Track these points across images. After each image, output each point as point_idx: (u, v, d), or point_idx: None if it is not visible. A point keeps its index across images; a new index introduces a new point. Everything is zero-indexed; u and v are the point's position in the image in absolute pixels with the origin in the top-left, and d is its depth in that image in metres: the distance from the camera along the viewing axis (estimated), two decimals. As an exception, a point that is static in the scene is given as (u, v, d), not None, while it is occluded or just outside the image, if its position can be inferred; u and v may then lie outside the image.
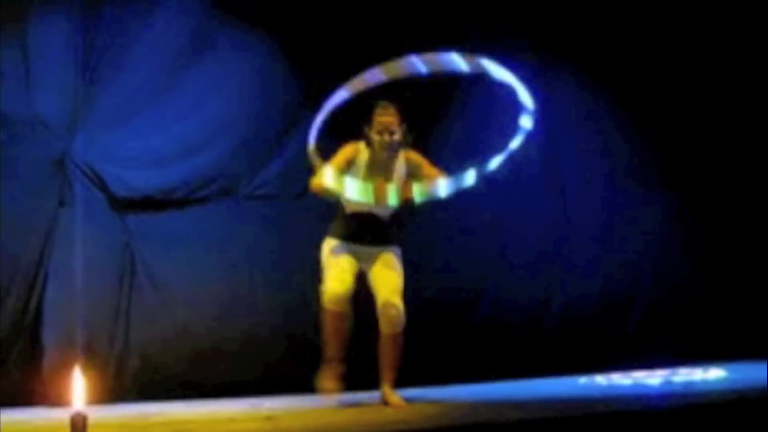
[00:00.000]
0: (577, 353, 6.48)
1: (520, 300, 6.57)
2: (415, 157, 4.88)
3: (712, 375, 5.90)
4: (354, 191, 4.53)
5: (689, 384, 5.57)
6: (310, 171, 6.04)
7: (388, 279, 4.76)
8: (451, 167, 4.81)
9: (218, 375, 5.61)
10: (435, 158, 5.07)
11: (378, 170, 4.76)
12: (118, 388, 5.44)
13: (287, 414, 4.57)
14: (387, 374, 4.72)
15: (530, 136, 6.67)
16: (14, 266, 5.43)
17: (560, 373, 6.19)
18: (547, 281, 6.69)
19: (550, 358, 6.41)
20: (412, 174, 4.81)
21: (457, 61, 4.65)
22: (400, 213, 4.97)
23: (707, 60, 7.09)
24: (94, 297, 5.45)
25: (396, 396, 4.73)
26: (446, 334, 6.23)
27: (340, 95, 4.60)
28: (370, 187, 4.53)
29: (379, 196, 4.51)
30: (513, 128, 4.69)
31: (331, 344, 4.72)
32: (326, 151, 4.75)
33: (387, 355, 4.72)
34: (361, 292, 4.99)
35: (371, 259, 4.83)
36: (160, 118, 5.87)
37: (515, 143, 4.57)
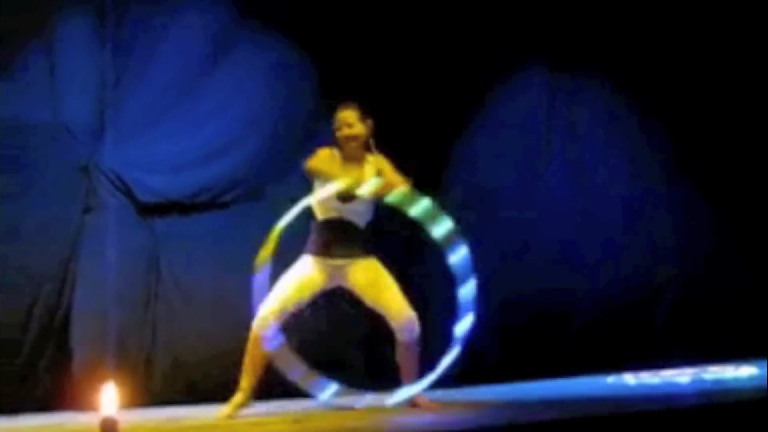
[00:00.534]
0: (604, 352, 6.44)
1: (545, 299, 6.54)
2: (381, 162, 4.81)
3: (743, 372, 5.84)
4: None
5: (720, 382, 5.51)
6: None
7: (388, 289, 4.69)
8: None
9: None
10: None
11: (350, 171, 4.70)
12: (146, 392, 5.46)
13: (314, 416, 4.56)
14: (412, 378, 4.69)
15: (552, 135, 6.81)
16: (42, 272, 5.47)
17: (588, 373, 6.16)
18: (572, 279, 6.66)
19: (577, 357, 6.38)
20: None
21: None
22: (375, 222, 4.90)
23: (729, 56, 7.05)
24: (121, 302, 5.48)
25: (424, 397, 4.71)
26: (470, 332, 6.20)
27: None
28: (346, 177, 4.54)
29: (355, 184, 4.50)
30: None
31: (248, 371, 4.62)
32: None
33: (409, 361, 4.69)
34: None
35: (352, 273, 4.71)
36: (185, 122, 5.90)
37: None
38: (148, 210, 5.70)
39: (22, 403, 5.28)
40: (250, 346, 4.62)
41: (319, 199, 4.63)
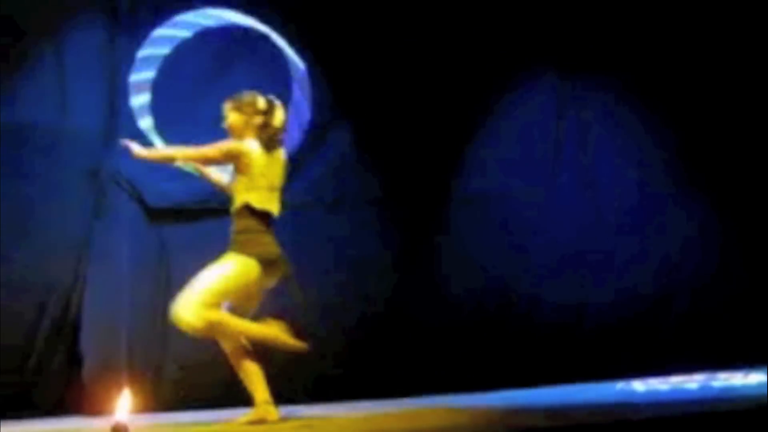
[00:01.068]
0: (613, 358, 6.44)
1: (554, 304, 6.54)
2: None
3: (752, 380, 5.82)
4: None
5: (728, 389, 5.50)
6: (345, 179, 6.13)
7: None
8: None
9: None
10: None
11: None
12: (156, 397, 5.47)
13: (324, 422, 4.57)
14: None
15: (562, 140, 6.81)
16: (52, 277, 5.49)
17: (596, 378, 6.15)
18: (582, 286, 6.66)
19: (586, 363, 6.38)
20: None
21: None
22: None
23: (740, 61, 7.03)
24: (130, 307, 5.50)
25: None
26: (480, 338, 6.22)
27: None
28: None
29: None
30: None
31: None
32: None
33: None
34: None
35: None
36: (194, 126, 5.88)
37: None
38: (158, 215, 5.72)
39: (32, 408, 5.30)
40: None
41: None
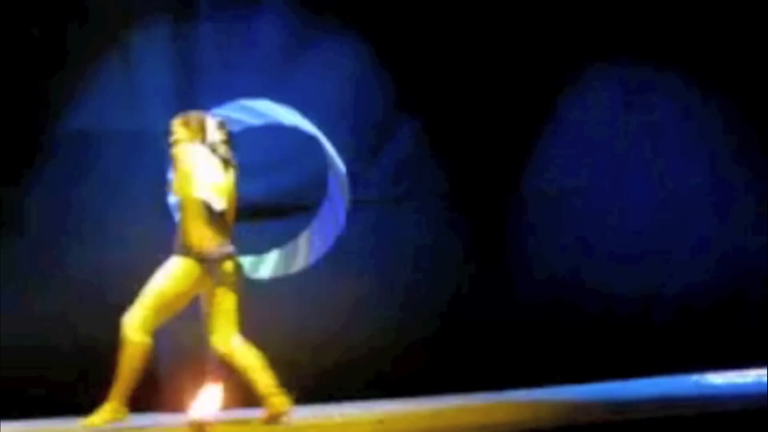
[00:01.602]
0: (685, 351, 6.36)
1: (625, 297, 6.47)
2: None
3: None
4: None
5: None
6: (412, 175, 6.14)
7: None
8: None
9: (328, 380, 5.66)
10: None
11: None
12: (231, 394, 5.52)
13: (398, 418, 4.58)
14: None
15: (630, 132, 6.74)
16: (129, 279, 5.57)
17: (672, 372, 6.08)
18: (653, 277, 6.58)
19: (657, 357, 6.30)
20: None
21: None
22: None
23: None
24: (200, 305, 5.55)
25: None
26: (549, 333, 6.18)
27: None
28: None
29: None
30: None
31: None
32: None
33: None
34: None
35: None
36: (260, 129, 5.94)
37: None
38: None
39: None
40: None
41: None
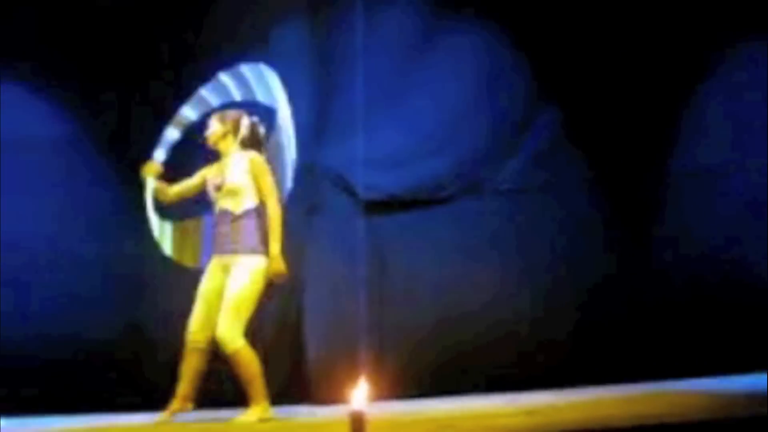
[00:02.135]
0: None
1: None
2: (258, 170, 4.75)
3: None
4: None
5: None
6: (555, 162, 6.02)
7: (228, 300, 4.54)
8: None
9: (471, 371, 5.63)
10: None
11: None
12: (374, 385, 5.55)
13: (547, 409, 4.51)
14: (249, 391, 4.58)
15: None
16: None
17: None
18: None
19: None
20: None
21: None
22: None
23: None
24: (347, 297, 5.62)
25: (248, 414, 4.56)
26: (702, 320, 5.96)
27: None
28: None
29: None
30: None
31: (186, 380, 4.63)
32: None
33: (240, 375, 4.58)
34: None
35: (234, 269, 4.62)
36: (399, 118, 5.98)
37: None
38: (370, 207, 5.81)
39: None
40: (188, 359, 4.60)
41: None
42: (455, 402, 4.93)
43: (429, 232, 5.84)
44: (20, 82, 6.34)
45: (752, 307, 5.91)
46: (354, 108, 5.91)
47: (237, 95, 5.13)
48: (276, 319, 5.67)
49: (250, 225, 4.61)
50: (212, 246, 4.73)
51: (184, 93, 5.95)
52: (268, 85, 5.05)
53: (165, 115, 5.84)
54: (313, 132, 5.90)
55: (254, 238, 4.59)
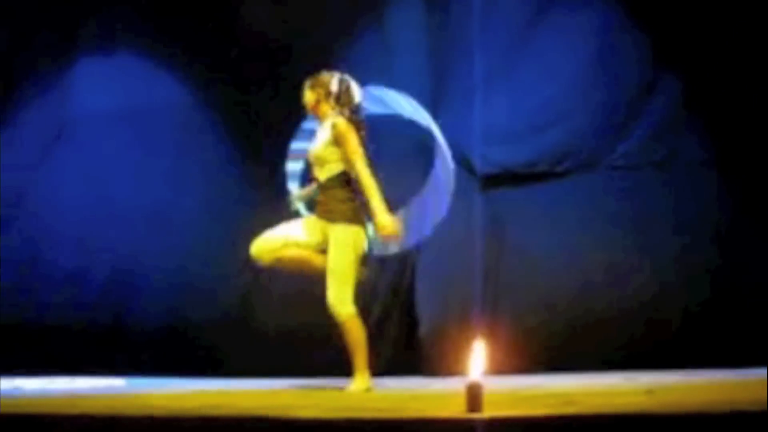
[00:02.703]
0: None
1: None
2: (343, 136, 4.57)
3: None
4: None
5: None
6: (674, 138, 5.88)
7: (331, 272, 4.49)
8: None
9: (587, 348, 5.58)
10: None
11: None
12: (489, 359, 5.55)
13: (668, 389, 4.44)
14: (356, 361, 4.52)
15: None
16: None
17: None
18: None
19: None
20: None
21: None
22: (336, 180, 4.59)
23: None
24: (463, 272, 5.63)
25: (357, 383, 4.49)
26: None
27: None
28: None
29: None
30: None
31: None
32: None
33: (346, 344, 4.53)
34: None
35: (330, 238, 4.55)
36: (515, 91, 5.93)
37: None
38: (487, 181, 5.80)
39: (370, 367, 5.55)
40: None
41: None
42: (571, 379, 4.88)
43: (546, 206, 5.80)
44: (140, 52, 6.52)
45: None
46: (470, 82, 5.89)
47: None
48: (388, 291, 5.70)
49: (338, 193, 4.56)
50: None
51: (299, 64, 6.05)
52: (412, 106, 5.02)
53: (279, 87, 5.97)
54: (427, 106, 5.89)
55: (344, 206, 4.54)
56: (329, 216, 4.55)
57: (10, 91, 6.67)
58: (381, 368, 5.54)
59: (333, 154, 4.57)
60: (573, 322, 5.62)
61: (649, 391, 4.29)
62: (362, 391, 4.46)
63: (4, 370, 5.57)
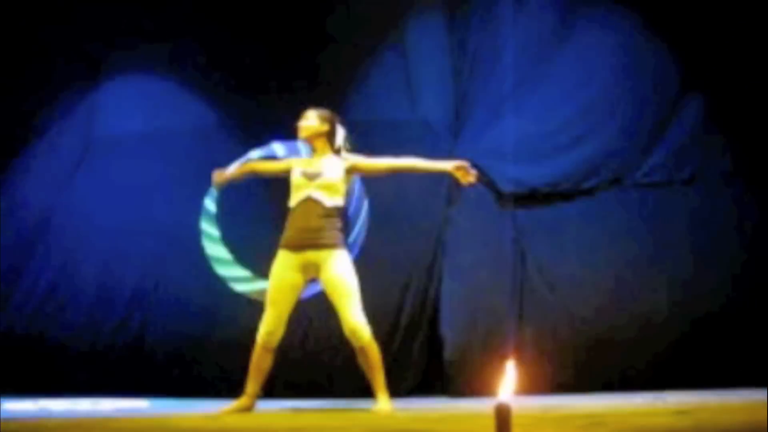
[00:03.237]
0: None
1: None
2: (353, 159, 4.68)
3: None
4: None
5: None
6: (699, 154, 5.83)
7: (345, 295, 4.45)
8: None
9: (611, 365, 5.54)
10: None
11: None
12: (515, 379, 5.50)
13: (702, 408, 4.38)
14: (375, 383, 4.51)
15: None
16: (412, 262, 5.72)
17: None
18: None
19: None
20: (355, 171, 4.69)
21: None
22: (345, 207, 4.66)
23: None
24: (486, 290, 5.61)
25: (383, 403, 4.46)
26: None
27: None
28: None
29: None
30: None
31: (253, 378, 4.54)
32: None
33: (365, 365, 4.51)
34: None
35: (323, 268, 4.50)
36: (538, 109, 5.92)
37: None
38: (510, 199, 5.78)
39: (396, 388, 5.52)
40: (255, 356, 4.53)
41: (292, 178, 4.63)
42: (598, 399, 4.83)
43: (570, 225, 5.76)
44: (162, 74, 6.55)
45: None
46: (489, 100, 5.88)
47: None
48: (413, 309, 5.68)
49: (338, 222, 4.56)
50: (287, 240, 4.58)
51: (321, 80, 6.07)
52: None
53: (302, 103, 5.96)
54: (450, 123, 5.90)
55: (341, 234, 4.56)
56: (325, 242, 4.53)
57: (37, 115, 6.74)
58: (407, 389, 5.56)
59: (344, 185, 4.63)
60: (598, 340, 5.56)
61: (680, 412, 4.23)
62: (389, 410, 4.42)
63: (29, 391, 5.58)
